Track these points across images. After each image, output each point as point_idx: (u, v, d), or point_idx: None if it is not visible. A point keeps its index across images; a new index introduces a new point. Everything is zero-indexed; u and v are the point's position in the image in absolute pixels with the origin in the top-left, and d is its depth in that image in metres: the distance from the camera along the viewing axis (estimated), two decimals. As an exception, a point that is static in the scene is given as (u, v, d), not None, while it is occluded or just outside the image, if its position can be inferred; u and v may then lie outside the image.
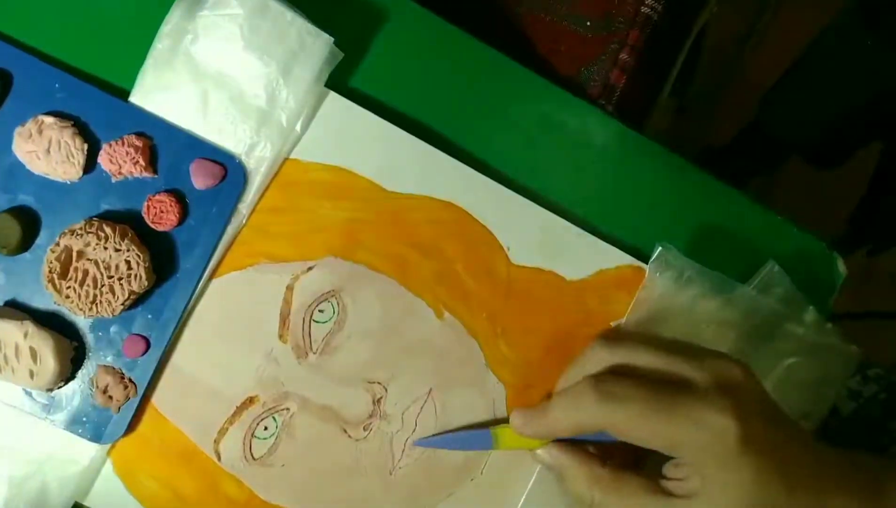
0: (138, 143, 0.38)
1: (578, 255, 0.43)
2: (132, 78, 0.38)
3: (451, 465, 0.42)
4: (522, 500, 0.42)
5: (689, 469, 0.34)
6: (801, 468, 0.33)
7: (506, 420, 0.42)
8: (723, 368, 0.35)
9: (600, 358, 0.38)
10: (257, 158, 0.39)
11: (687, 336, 0.41)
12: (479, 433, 0.41)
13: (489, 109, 0.42)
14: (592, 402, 0.35)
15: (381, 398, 0.41)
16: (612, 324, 0.44)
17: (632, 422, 0.34)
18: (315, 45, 0.37)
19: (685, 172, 0.44)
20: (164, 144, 0.39)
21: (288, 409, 0.41)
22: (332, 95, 0.39)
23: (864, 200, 1.03)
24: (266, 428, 0.40)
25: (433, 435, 0.42)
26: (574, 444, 0.39)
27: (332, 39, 0.37)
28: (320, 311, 0.40)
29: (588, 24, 0.50)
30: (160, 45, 0.37)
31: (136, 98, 0.38)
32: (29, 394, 0.39)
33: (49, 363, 0.38)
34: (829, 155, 1.01)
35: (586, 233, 0.42)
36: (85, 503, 0.40)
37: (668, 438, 0.33)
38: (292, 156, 0.40)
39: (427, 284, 0.41)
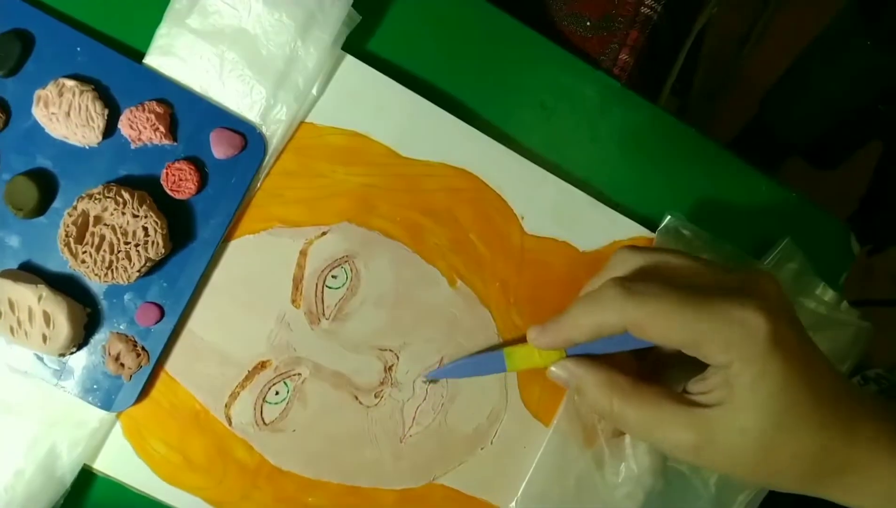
0: (159, 109, 0.38)
1: (593, 226, 0.43)
2: (149, 40, 0.38)
3: (462, 434, 0.42)
4: (532, 469, 0.42)
5: (714, 381, 0.32)
6: (828, 383, 0.31)
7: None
8: (753, 274, 0.33)
9: (626, 260, 0.36)
10: (273, 121, 0.39)
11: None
12: (492, 355, 0.39)
13: (506, 78, 0.42)
14: (616, 297, 0.32)
15: (392, 365, 0.41)
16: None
17: (658, 317, 0.31)
18: (333, 7, 0.37)
19: (701, 145, 0.45)
20: (184, 112, 0.39)
21: (300, 374, 0.40)
22: (349, 58, 0.39)
23: (864, 200, 1.03)
24: (277, 393, 0.40)
25: (445, 366, 0.41)
26: (589, 356, 0.37)
27: (351, 1, 0.37)
28: (333, 277, 0.41)
29: (588, 24, 0.50)
30: (177, 3, 0.37)
31: (151, 59, 0.39)
32: (41, 359, 0.39)
33: (62, 327, 0.38)
34: (829, 155, 1.02)
35: (601, 204, 0.43)
36: (94, 465, 0.40)
37: (694, 332, 0.31)
38: (308, 120, 0.40)
39: (440, 251, 0.41)
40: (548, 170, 0.42)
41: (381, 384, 0.41)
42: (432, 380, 0.41)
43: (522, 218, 0.42)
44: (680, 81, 0.68)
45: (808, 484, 0.31)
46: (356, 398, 0.41)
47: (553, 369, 0.37)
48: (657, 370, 0.37)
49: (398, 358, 0.41)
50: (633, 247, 0.37)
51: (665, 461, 0.42)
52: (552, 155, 0.43)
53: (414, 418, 0.42)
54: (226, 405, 0.40)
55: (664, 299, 0.31)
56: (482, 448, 0.43)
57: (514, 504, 0.42)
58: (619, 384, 0.34)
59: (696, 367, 0.34)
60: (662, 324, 0.31)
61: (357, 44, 0.40)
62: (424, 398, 0.42)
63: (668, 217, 0.42)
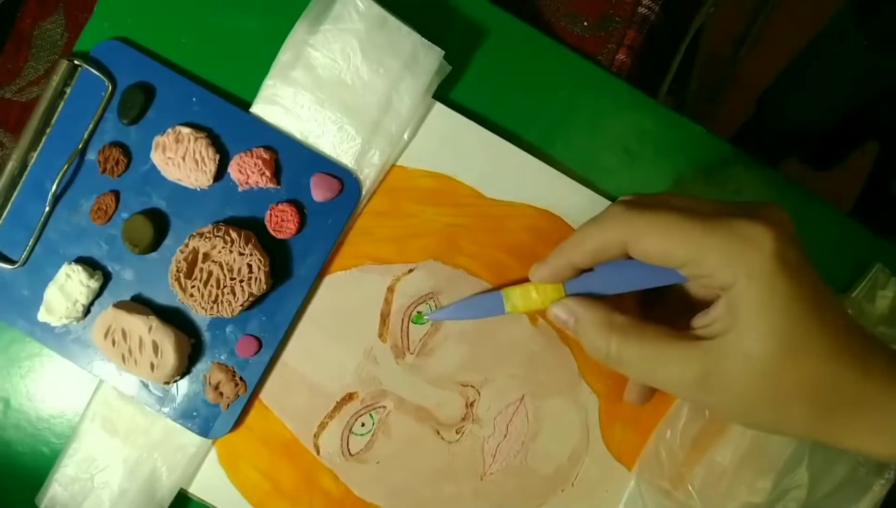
0: (266, 155, 0.41)
1: (673, 266, 0.43)
2: (255, 90, 0.42)
3: (542, 475, 0.42)
4: (616, 514, 0.41)
5: (717, 311, 0.29)
6: (838, 312, 0.28)
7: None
8: (759, 202, 0.31)
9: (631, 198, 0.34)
10: (367, 165, 0.41)
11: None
12: (490, 295, 0.38)
13: (590, 122, 0.43)
14: (619, 213, 0.30)
15: (473, 401, 0.42)
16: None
17: (659, 229, 0.29)
18: (426, 58, 0.39)
19: (785, 189, 0.44)
20: (287, 158, 0.42)
21: (384, 407, 0.42)
22: (439, 105, 0.42)
23: (861, 200, 0.99)
24: (363, 425, 0.42)
25: (444, 307, 0.41)
26: (590, 297, 0.35)
27: (443, 52, 0.40)
28: (418, 313, 0.42)
29: (585, 23, 0.49)
30: (284, 56, 0.41)
31: (257, 108, 0.42)
32: (146, 386, 0.42)
33: (169, 357, 0.40)
34: (826, 156, 0.99)
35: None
36: (190, 489, 0.42)
37: (698, 246, 0.28)
38: (399, 163, 0.42)
39: (522, 290, 0.42)
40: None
41: (463, 419, 0.42)
42: (433, 320, 0.41)
43: (604, 258, 0.43)
44: (677, 80, 0.67)
45: (818, 423, 0.28)
46: (438, 432, 0.42)
47: (552, 308, 0.35)
48: (659, 314, 0.35)
49: (479, 394, 0.42)
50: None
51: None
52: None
53: (494, 455, 0.42)
54: (314, 435, 0.42)
55: (667, 213, 0.29)
56: (563, 490, 0.42)
57: (595, 547, 0.42)
58: (618, 322, 0.32)
59: (700, 306, 0.32)
60: (664, 236, 0.29)
61: (446, 91, 0.42)
62: (505, 436, 0.42)
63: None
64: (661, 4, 0.51)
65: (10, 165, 0.42)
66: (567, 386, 0.42)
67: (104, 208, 0.42)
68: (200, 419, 0.41)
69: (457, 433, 0.42)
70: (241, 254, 0.40)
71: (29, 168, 0.42)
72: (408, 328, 0.42)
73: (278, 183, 0.42)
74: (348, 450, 0.42)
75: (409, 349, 0.42)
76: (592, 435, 0.42)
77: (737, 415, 0.30)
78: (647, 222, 0.30)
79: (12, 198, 0.42)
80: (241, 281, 0.40)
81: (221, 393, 0.42)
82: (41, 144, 0.42)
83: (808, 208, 0.44)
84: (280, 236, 0.41)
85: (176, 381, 0.42)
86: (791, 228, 0.29)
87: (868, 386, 0.27)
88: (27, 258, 0.42)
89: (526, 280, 0.38)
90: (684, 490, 0.43)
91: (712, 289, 0.30)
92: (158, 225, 0.42)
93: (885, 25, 0.68)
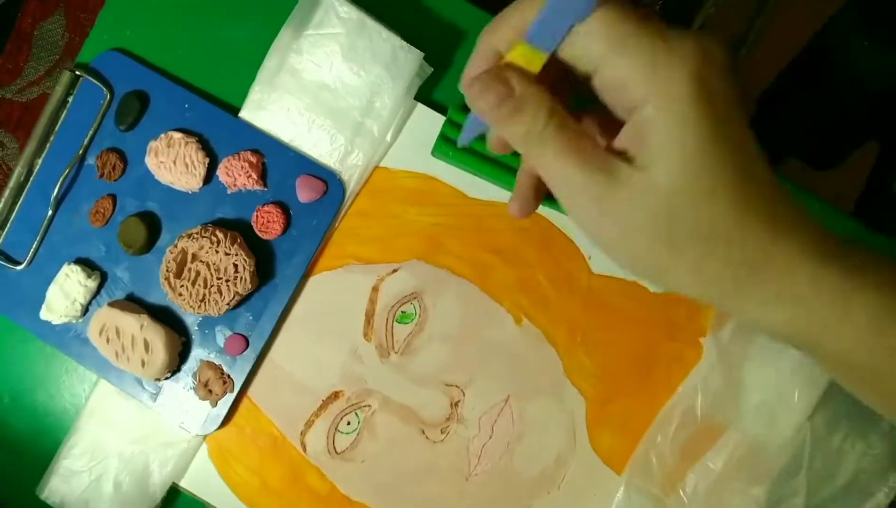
0: (253, 159, 0.42)
1: (661, 266, 0.42)
2: (244, 96, 0.43)
3: (528, 476, 0.42)
4: (601, 517, 0.41)
5: (628, 133, 0.25)
6: (753, 157, 0.25)
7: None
8: (703, 32, 0.26)
9: None
10: (350, 167, 0.42)
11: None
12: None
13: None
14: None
15: (458, 401, 0.42)
16: (701, 340, 0.42)
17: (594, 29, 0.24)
18: (406, 60, 0.40)
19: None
20: (273, 160, 0.43)
21: (370, 406, 0.42)
22: (421, 106, 0.42)
23: (860, 200, 0.96)
24: (349, 423, 0.42)
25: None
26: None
27: (423, 54, 0.40)
28: (403, 312, 0.42)
29: None
30: (269, 62, 0.42)
31: (245, 113, 0.43)
32: (140, 382, 0.43)
33: (159, 354, 0.42)
34: (826, 156, 0.96)
35: (670, 244, 0.42)
36: (181, 483, 0.43)
37: (623, 46, 0.24)
38: (382, 164, 0.43)
39: (507, 290, 0.42)
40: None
41: (448, 419, 0.42)
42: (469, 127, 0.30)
43: (590, 258, 0.42)
44: None
45: (712, 279, 0.25)
46: (423, 432, 0.42)
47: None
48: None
49: (464, 394, 0.42)
50: None
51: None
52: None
53: (479, 456, 0.42)
54: (301, 433, 0.42)
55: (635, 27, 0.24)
56: (549, 493, 0.42)
57: (581, 551, 0.41)
58: (560, 109, 0.26)
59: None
60: (596, 37, 0.24)
61: (428, 93, 0.43)
62: (490, 437, 0.42)
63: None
64: (661, 5, 0.51)
65: (17, 171, 0.44)
66: (552, 387, 0.42)
67: (102, 211, 0.43)
68: (191, 415, 0.43)
69: (441, 433, 0.42)
70: (227, 254, 0.41)
71: (34, 174, 0.44)
72: (392, 327, 0.42)
73: (265, 185, 0.43)
74: (334, 448, 0.42)
75: (393, 348, 0.42)
76: (579, 438, 0.42)
77: (625, 253, 0.26)
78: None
79: (19, 202, 0.44)
80: (228, 281, 0.41)
81: (210, 390, 0.43)
82: (45, 151, 0.44)
83: (808, 207, 0.42)
84: (266, 237, 0.42)
85: (167, 378, 0.43)
86: (725, 55, 0.25)
87: (774, 245, 0.24)
88: (32, 260, 0.44)
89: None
90: (676, 497, 0.42)
91: (620, 103, 0.26)
92: (152, 227, 0.43)
93: (885, 25, 0.66)
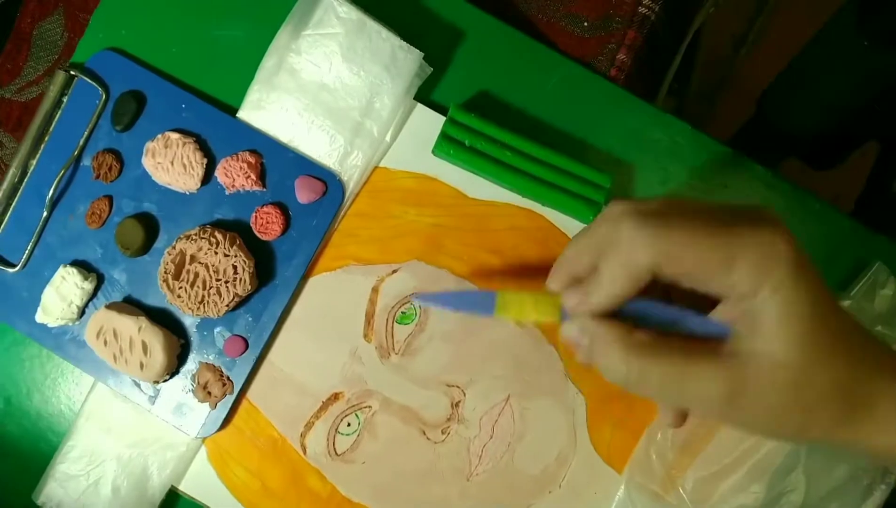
0: (251, 159, 0.42)
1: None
2: (242, 96, 0.43)
3: (529, 475, 0.42)
4: (603, 516, 0.41)
5: (737, 324, 0.28)
6: (845, 313, 0.29)
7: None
8: (753, 205, 0.29)
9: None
10: (350, 167, 0.42)
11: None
12: (484, 293, 0.34)
13: (570, 120, 0.43)
14: (635, 228, 0.28)
15: (459, 401, 0.42)
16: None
17: (685, 243, 0.27)
18: (406, 61, 0.40)
19: (785, 189, 0.43)
20: (272, 161, 0.43)
21: (370, 407, 0.42)
22: (420, 106, 0.42)
23: (861, 200, 0.97)
24: (349, 425, 0.42)
25: (435, 293, 0.37)
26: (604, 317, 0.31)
27: (422, 54, 0.40)
28: (403, 313, 0.42)
29: (585, 24, 0.49)
30: (268, 62, 0.41)
31: (243, 113, 0.43)
32: (138, 385, 0.43)
33: (158, 356, 0.41)
34: (826, 156, 0.97)
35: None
36: (180, 487, 0.43)
37: (722, 253, 0.27)
38: (381, 164, 0.42)
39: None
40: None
41: (448, 420, 0.42)
42: (420, 303, 0.40)
43: (589, 257, 0.42)
44: (677, 81, 0.67)
45: (840, 426, 0.28)
46: (424, 433, 0.42)
47: (565, 327, 0.31)
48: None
49: (465, 395, 0.42)
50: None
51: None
52: (618, 195, 0.43)
53: (480, 456, 0.42)
54: (301, 435, 0.42)
55: (689, 225, 0.27)
56: (550, 492, 0.42)
57: (582, 550, 0.41)
58: (638, 342, 0.28)
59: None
60: (690, 249, 0.27)
61: (428, 93, 0.43)
62: (491, 437, 0.42)
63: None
64: (662, 4, 0.51)
65: (11, 172, 0.44)
66: (553, 387, 0.42)
67: (98, 212, 0.43)
68: (190, 417, 0.42)
69: (442, 433, 0.42)
70: (226, 255, 0.40)
71: (29, 175, 0.44)
72: (392, 328, 0.42)
73: (264, 186, 0.42)
74: (334, 450, 0.42)
75: (393, 348, 0.42)
76: (580, 437, 0.42)
77: (765, 427, 0.29)
78: (673, 240, 0.27)
79: (13, 204, 0.44)
80: (227, 282, 0.41)
81: (210, 392, 0.42)
82: (40, 151, 0.44)
83: (808, 207, 0.43)
84: (265, 238, 0.42)
85: (165, 380, 0.42)
86: (788, 233, 0.28)
87: (882, 382, 0.28)
88: (27, 262, 0.43)
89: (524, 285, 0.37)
90: (675, 494, 0.42)
91: (730, 299, 0.29)
92: (149, 228, 0.43)
93: (885, 25, 0.66)
